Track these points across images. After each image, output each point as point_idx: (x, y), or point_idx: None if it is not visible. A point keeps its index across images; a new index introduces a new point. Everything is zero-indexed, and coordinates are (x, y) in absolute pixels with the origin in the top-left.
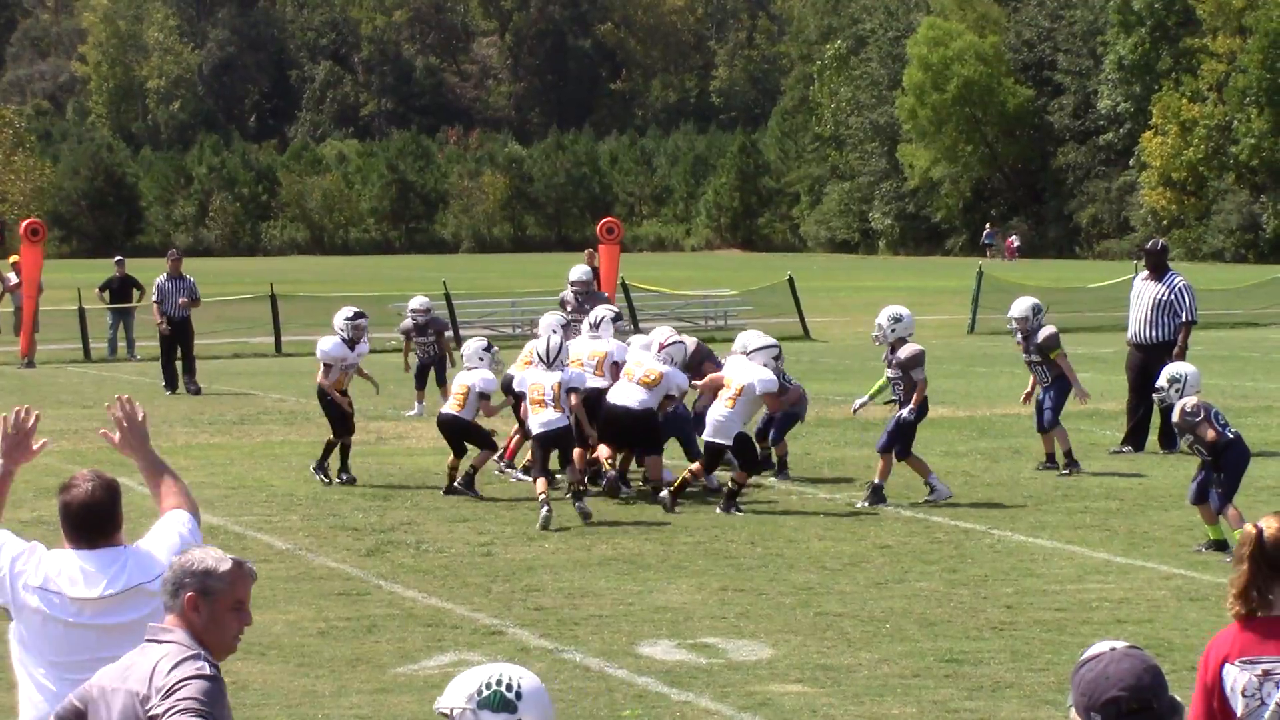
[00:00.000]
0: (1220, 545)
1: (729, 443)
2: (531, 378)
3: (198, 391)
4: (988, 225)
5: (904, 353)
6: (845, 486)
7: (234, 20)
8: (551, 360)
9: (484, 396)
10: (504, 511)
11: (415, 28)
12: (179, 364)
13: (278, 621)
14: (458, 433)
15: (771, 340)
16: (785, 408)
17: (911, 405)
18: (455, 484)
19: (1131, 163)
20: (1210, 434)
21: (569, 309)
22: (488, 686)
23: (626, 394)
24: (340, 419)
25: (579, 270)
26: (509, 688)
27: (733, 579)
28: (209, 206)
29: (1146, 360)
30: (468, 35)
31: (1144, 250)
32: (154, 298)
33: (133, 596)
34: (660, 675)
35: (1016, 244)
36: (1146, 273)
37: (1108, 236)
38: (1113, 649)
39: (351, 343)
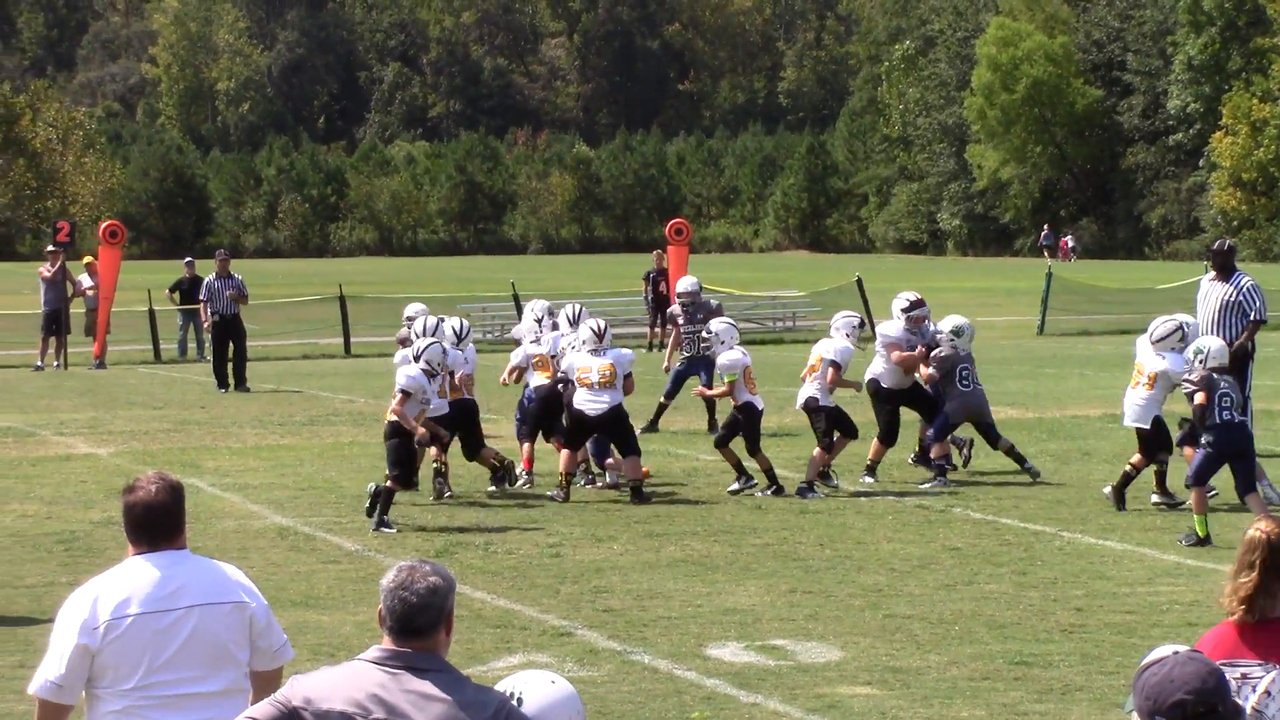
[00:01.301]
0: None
1: (1148, 426)
2: (579, 361)
3: (246, 390)
4: (1045, 226)
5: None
6: (913, 488)
7: (303, 22)
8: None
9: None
10: (573, 513)
11: (484, 29)
12: (230, 364)
13: (347, 623)
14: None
15: (1173, 327)
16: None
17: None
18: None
19: (1201, 163)
20: (1200, 400)
21: (680, 321)
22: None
23: (594, 399)
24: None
25: (686, 282)
26: (512, 696)
27: (801, 581)
28: (278, 208)
29: None
30: (536, 36)
31: (1211, 251)
32: (202, 296)
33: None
34: (729, 677)
35: (1071, 245)
36: (1213, 274)
37: (1177, 237)
38: (1175, 653)
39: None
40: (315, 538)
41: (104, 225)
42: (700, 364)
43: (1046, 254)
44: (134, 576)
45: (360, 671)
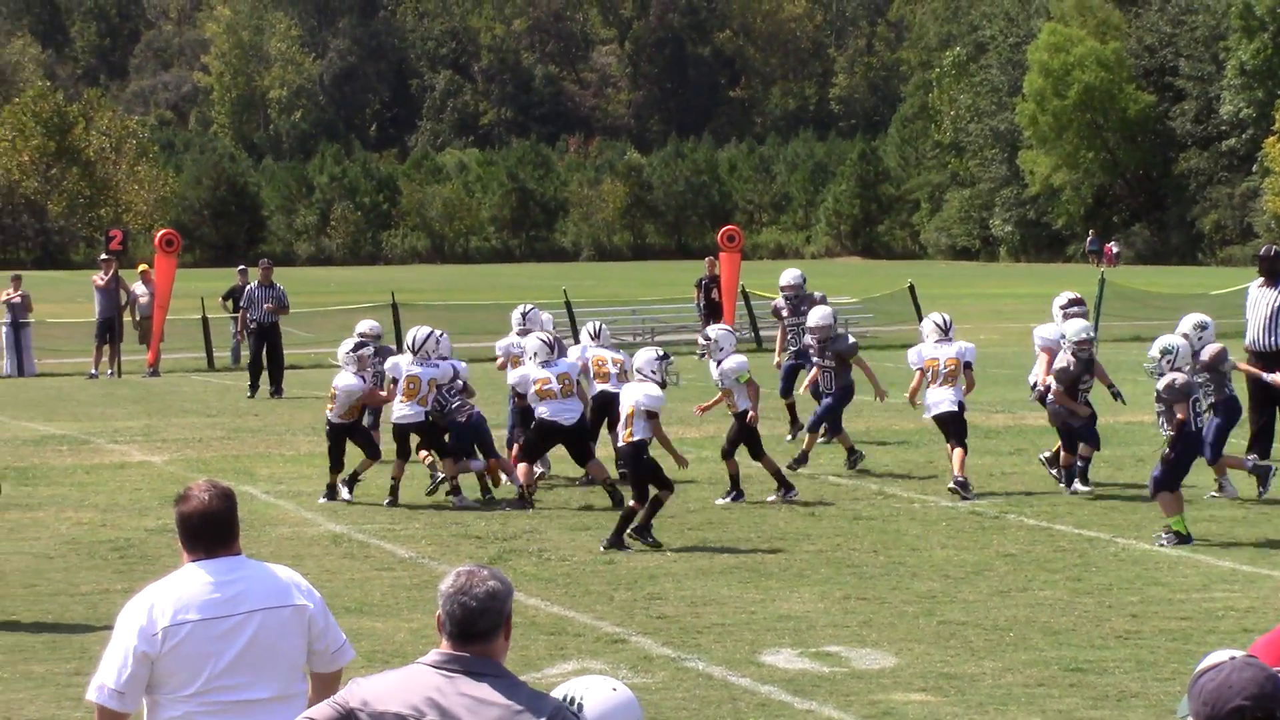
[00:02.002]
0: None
1: None
2: (594, 352)
3: (280, 396)
4: (1090, 232)
5: (1207, 353)
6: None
7: (355, 30)
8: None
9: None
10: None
11: (535, 36)
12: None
13: (401, 630)
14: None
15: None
16: None
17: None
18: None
19: (1255, 168)
20: (1180, 416)
21: (785, 314)
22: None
23: (566, 408)
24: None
25: (790, 275)
26: (571, 702)
27: (855, 587)
28: (330, 215)
29: (1266, 368)
30: (587, 44)
31: (1259, 257)
32: (243, 303)
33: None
34: (783, 684)
35: (1115, 250)
36: (1262, 279)
37: (1231, 243)
38: (1232, 658)
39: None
40: (369, 545)
41: (160, 234)
42: (806, 356)
43: (1092, 260)
44: (191, 583)
45: (418, 675)
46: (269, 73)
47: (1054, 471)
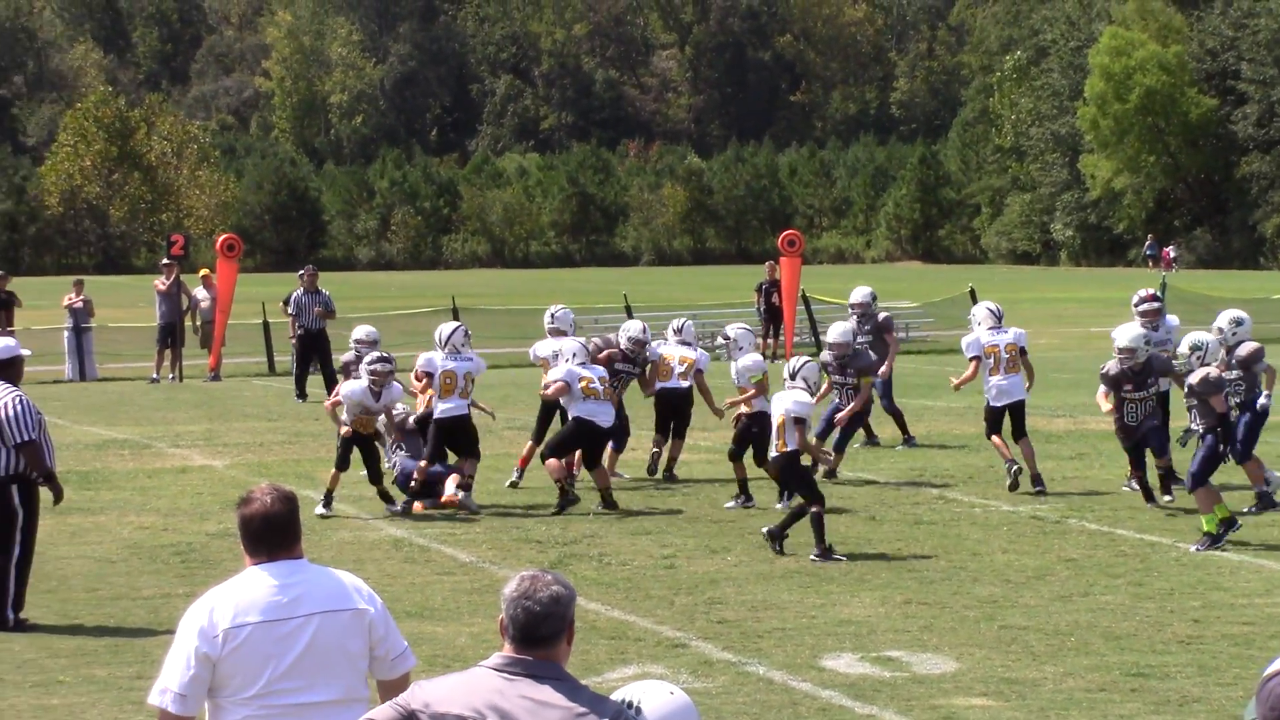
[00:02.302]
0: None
1: None
2: (665, 350)
3: None
4: (1149, 237)
5: (1244, 350)
6: (1028, 499)
7: (415, 35)
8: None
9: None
10: (686, 524)
11: (595, 41)
12: (310, 376)
13: (462, 634)
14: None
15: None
16: None
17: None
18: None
19: None
20: (1220, 408)
21: (833, 372)
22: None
23: (605, 412)
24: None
25: (860, 293)
26: (630, 705)
27: (916, 592)
28: (391, 220)
29: None
30: (647, 48)
31: None
32: (290, 311)
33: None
34: (844, 688)
35: (1173, 255)
36: None
37: None
38: None
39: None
40: (430, 549)
41: (222, 239)
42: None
43: (1149, 264)
44: (253, 586)
45: (480, 677)
46: (330, 77)
47: (1130, 485)
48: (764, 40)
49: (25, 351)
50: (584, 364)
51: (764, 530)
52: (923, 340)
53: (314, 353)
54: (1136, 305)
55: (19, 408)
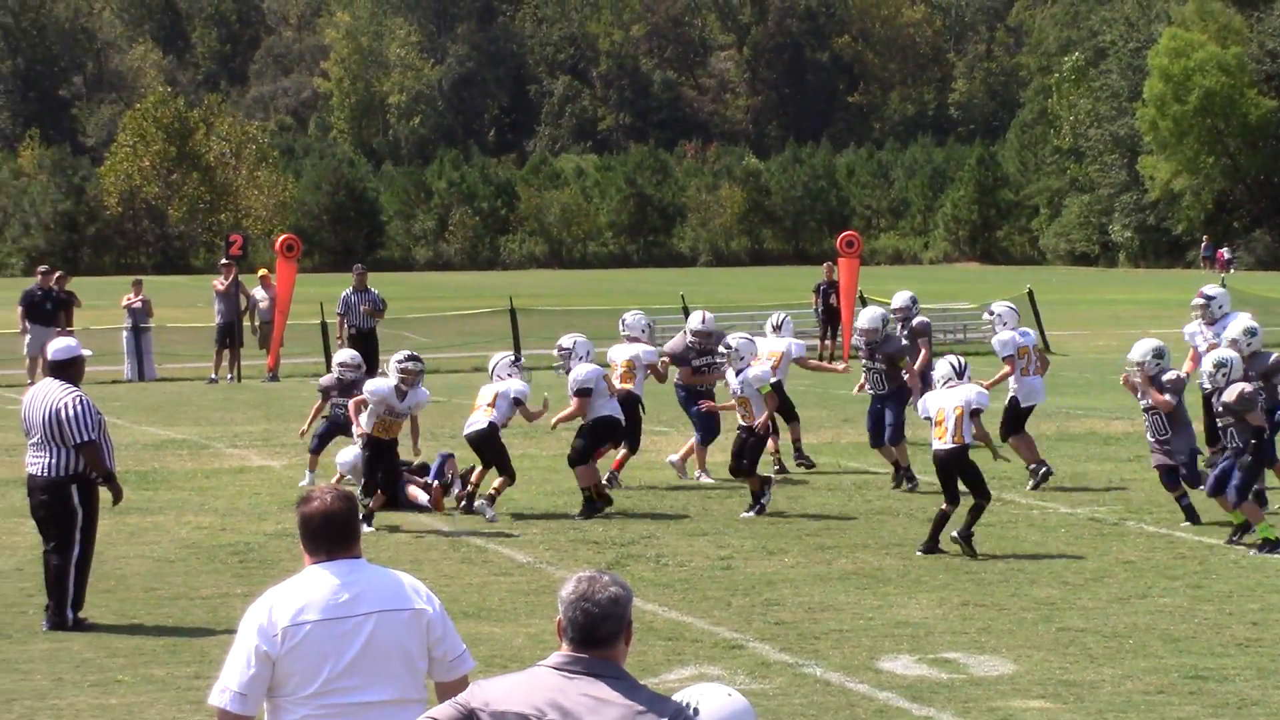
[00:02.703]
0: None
1: None
2: (765, 345)
3: None
4: (1204, 238)
5: (1270, 360)
6: (1086, 501)
7: (474, 36)
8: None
9: (518, 403)
10: (744, 526)
11: (653, 42)
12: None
13: (519, 635)
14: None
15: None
16: None
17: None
18: (472, 503)
19: None
20: (1259, 420)
21: (863, 356)
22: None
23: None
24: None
25: (900, 297)
26: (688, 707)
27: (974, 594)
28: (448, 221)
29: None
30: (705, 49)
31: None
32: (339, 310)
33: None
34: (901, 690)
35: (1228, 257)
36: None
37: None
38: None
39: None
40: (487, 550)
41: (280, 239)
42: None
43: (1205, 265)
44: (312, 585)
45: (540, 676)
46: (388, 78)
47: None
48: (822, 41)
49: (86, 352)
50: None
51: (953, 535)
52: (980, 341)
53: (361, 351)
54: (1193, 305)
55: (79, 408)
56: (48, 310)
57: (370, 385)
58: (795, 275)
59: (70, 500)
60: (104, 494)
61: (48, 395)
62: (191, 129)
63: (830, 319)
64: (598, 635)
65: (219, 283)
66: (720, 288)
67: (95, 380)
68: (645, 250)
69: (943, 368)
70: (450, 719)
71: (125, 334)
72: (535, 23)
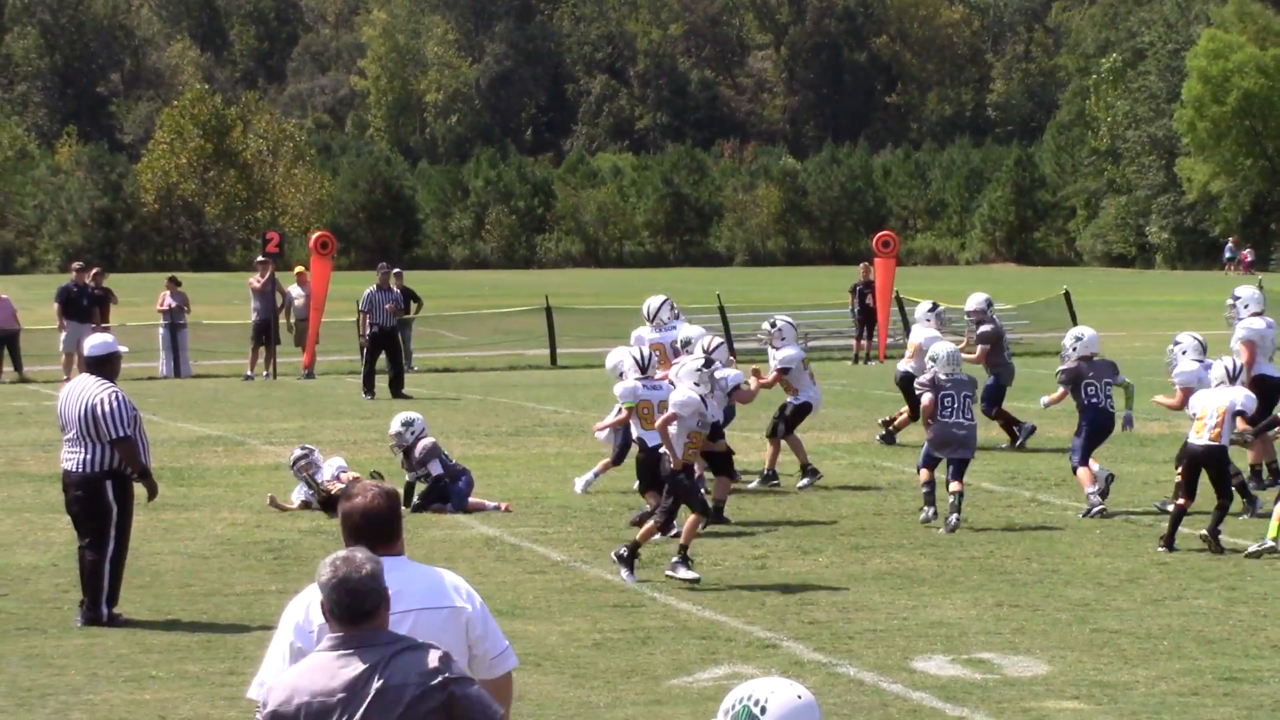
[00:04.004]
0: None
1: None
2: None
3: (405, 398)
4: (1230, 240)
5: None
6: (1121, 502)
7: (511, 34)
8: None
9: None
10: (777, 525)
11: (691, 41)
12: (379, 374)
13: (553, 633)
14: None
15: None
16: None
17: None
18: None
19: None
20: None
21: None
22: (740, 702)
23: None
24: None
25: (975, 299)
26: (756, 704)
27: (1008, 594)
28: (485, 219)
29: None
30: (743, 48)
31: None
32: (362, 307)
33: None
34: (935, 690)
35: (1250, 259)
36: None
37: None
38: None
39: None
40: (521, 548)
41: (314, 236)
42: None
43: (1229, 268)
44: None
45: (321, 662)
46: (425, 76)
47: None
48: (860, 41)
49: (122, 348)
50: (648, 383)
51: (1200, 534)
52: (1016, 343)
53: (383, 349)
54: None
55: (115, 403)
56: (84, 306)
57: (678, 398)
58: (831, 275)
59: (105, 496)
60: (139, 490)
61: (84, 391)
62: (229, 126)
63: (866, 319)
64: (362, 610)
65: (255, 280)
66: (756, 287)
67: (131, 376)
68: (681, 250)
69: (1217, 370)
70: None
71: (161, 330)
72: (573, 21)
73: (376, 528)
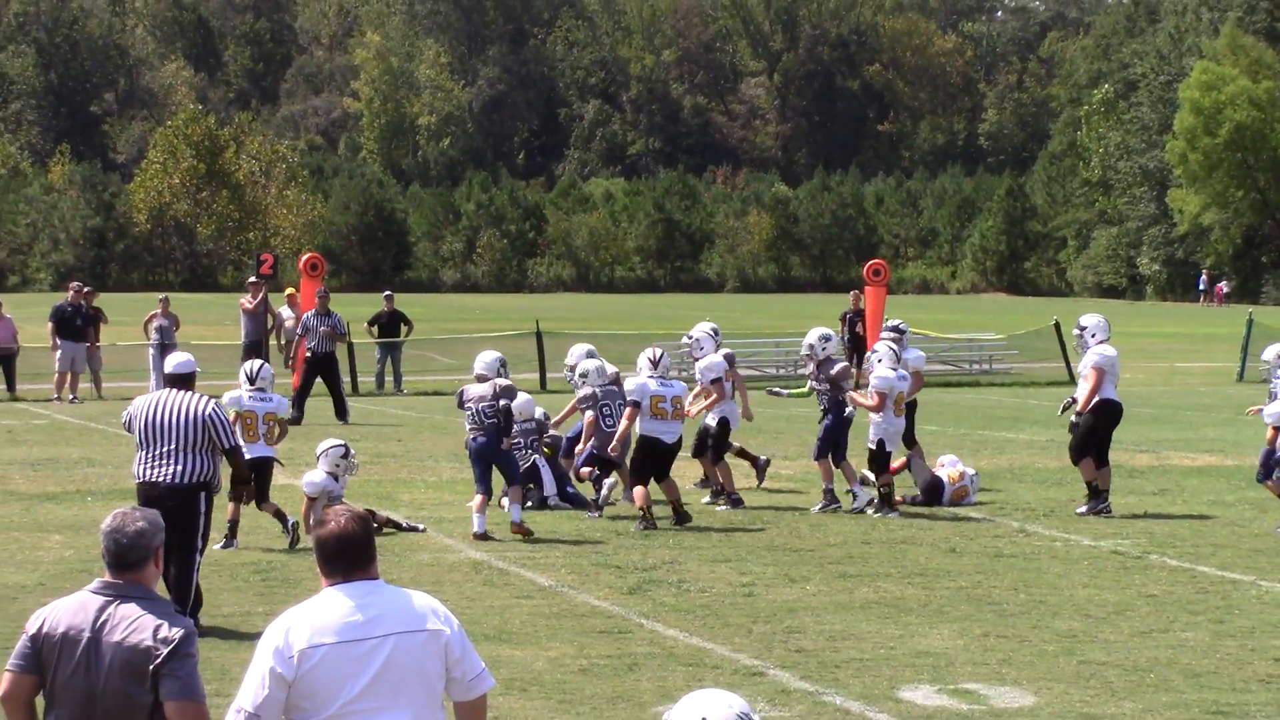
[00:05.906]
0: None
1: None
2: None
3: (347, 423)
4: (1204, 273)
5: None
6: (1109, 534)
7: (504, 58)
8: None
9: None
10: (766, 553)
11: (684, 67)
12: (316, 399)
13: (539, 658)
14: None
15: None
16: None
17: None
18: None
19: None
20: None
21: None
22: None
23: (669, 428)
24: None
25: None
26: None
27: (995, 625)
28: (477, 243)
29: None
30: (736, 75)
31: None
32: (298, 331)
33: (394, 641)
34: None
35: (1226, 290)
36: None
37: None
38: None
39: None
40: (509, 572)
41: (304, 258)
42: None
43: (1204, 300)
44: (329, 606)
45: (83, 600)
46: (418, 99)
47: None
48: (853, 69)
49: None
50: (661, 380)
51: None
52: (1006, 373)
53: (319, 374)
54: None
55: (222, 414)
56: (78, 326)
57: (307, 479)
58: (822, 303)
59: (198, 505)
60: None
61: (183, 403)
62: (222, 147)
63: (856, 347)
64: (128, 561)
65: (246, 301)
66: (746, 314)
67: (120, 396)
68: (672, 275)
69: None
70: (19, 650)
71: (151, 350)
72: (566, 46)
73: (351, 553)
